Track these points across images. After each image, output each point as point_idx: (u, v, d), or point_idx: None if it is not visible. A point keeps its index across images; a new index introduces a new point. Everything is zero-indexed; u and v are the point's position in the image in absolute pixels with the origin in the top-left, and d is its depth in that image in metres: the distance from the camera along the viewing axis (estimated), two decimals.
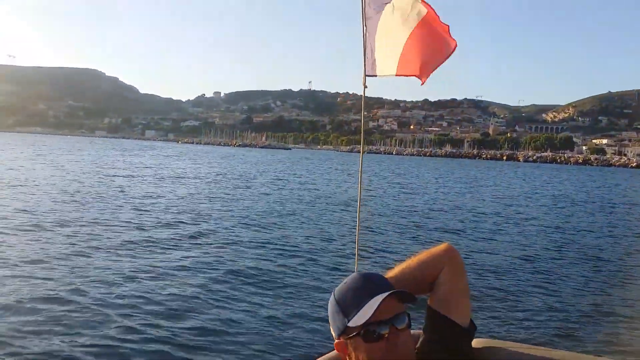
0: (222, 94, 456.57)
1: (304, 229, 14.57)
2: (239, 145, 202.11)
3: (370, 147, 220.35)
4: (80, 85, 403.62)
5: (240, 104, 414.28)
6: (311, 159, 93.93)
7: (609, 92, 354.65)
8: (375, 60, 3.39)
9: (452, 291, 1.56)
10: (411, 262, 1.59)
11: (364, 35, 3.29)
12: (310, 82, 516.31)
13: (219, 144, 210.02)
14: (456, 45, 3.13)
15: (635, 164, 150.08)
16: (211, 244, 11.76)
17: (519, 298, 8.59)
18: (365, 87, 3.40)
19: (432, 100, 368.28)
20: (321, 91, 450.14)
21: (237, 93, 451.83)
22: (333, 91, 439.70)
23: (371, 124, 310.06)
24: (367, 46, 3.36)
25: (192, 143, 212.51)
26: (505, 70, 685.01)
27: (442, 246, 1.60)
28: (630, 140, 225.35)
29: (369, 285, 1.40)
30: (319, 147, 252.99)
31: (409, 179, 44.52)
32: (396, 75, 3.34)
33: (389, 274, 1.58)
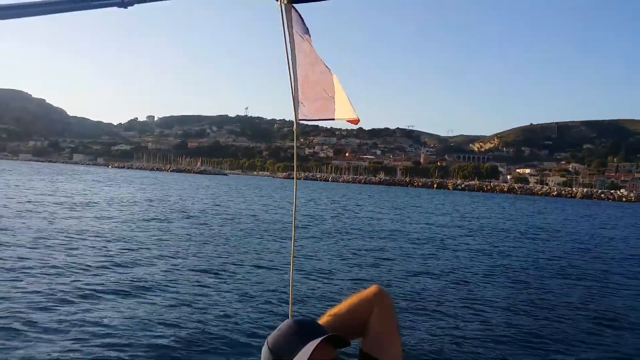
0: (155, 118, 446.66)
1: (237, 267, 13.74)
2: (173, 171, 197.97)
3: (307, 173, 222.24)
4: (4, 107, 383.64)
5: (175, 128, 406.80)
6: (248, 185, 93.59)
7: (531, 124, 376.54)
8: (320, 102, 3.15)
9: (382, 333, 1.55)
10: (342, 306, 1.59)
11: (291, 70, 3.04)
12: (247, 108, 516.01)
13: (152, 169, 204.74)
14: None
15: (555, 192, 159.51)
16: (136, 284, 10.91)
17: (451, 323, 9.17)
18: (298, 124, 3.05)
19: (367, 129, 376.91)
20: (258, 117, 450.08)
21: (172, 117, 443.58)
22: (270, 117, 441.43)
23: (307, 151, 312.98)
24: (308, 84, 3.12)
25: (124, 167, 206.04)
26: (436, 101, 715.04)
27: (371, 289, 1.60)
28: (551, 170, 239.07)
29: (302, 331, 1.40)
30: (255, 173, 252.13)
31: (344, 206, 45.29)
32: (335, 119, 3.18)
33: (322, 319, 1.58)
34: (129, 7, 1.40)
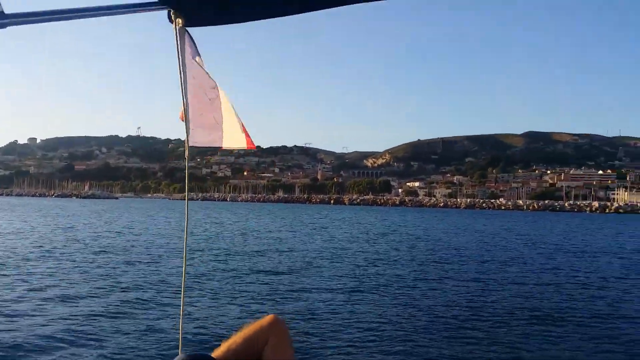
0: (38, 140, 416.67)
1: (120, 299, 12.77)
2: (58, 196, 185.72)
3: (204, 194, 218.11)
4: None
5: (60, 150, 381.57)
6: (140, 208, 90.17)
7: (419, 139, 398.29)
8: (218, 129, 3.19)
9: None
10: (237, 337, 1.56)
11: (184, 94, 3.01)
12: (139, 128, 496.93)
13: (34, 195, 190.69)
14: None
15: (442, 204, 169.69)
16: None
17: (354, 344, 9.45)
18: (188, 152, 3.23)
19: (265, 147, 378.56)
20: (151, 137, 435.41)
21: (56, 139, 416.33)
22: (164, 137, 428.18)
23: (205, 170, 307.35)
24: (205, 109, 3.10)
25: (2, 195, 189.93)
26: (330, 119, 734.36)
27: (267, 318, 1.57)
28: (437, 183, 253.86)
29: None
30: (149, 195, 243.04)
31: (243, 226, 45.26)
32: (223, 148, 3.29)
33: (216, 352, 1.53)
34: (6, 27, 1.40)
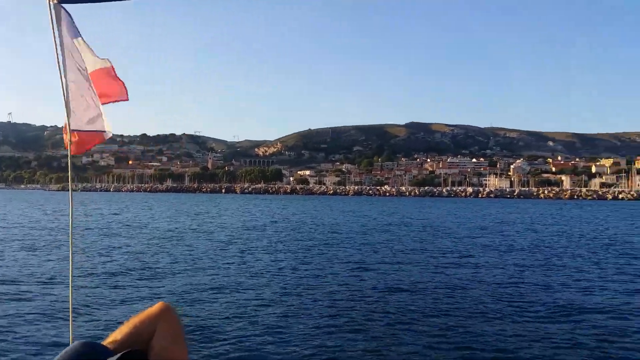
0: None
1: (7, 293, 12.36)
2: None
3: (85, 184, 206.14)
4: None
5: None
6: (15, 200, 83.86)
7: (309, 129, 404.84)
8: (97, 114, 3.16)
9: (166, 352, 1.48)
10: (127, 326, 1.52)
11: (62, 75, 2.91)
12: (10, 114, 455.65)
13: None
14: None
15: (332, 191, 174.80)
16: None
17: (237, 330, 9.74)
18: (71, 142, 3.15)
19: (151, 135, 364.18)
20: (24, 124, 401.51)
21: None
22: (39, 124, 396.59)
23: (85, 159, 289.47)
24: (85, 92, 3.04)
25: None
26: (221, 107, 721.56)
27: (156, 306, 1.54)
28: (327, 171, 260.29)
29: (90, 353, 1.33)
30: (23, 186, 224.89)
31: (129, 216, 44.24)
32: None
33: (107, 341, 1.51)
34: None
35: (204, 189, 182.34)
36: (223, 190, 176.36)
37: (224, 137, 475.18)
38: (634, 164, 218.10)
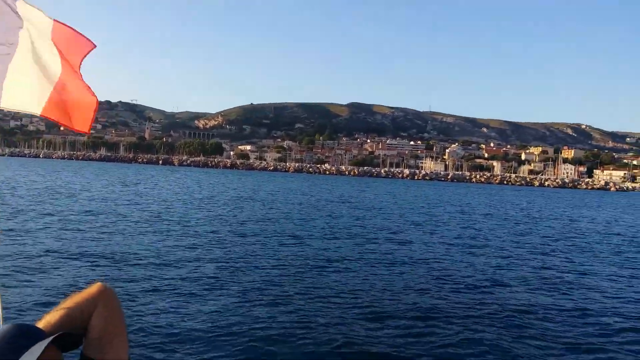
0: None
1: None
2: None
3: (13, 149, 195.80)
4: None
5: None
6: None
7: (252, 104, 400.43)
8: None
9: (106, 333, 1.43)
10: (62, 307, 1.47)
11: None
12: None
13: None
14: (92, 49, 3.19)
15: (272, 167, 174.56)
16: None
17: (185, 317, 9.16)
18: None
19: None
20: None
21: None
22: None
23: (13, 123, 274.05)
24: None
25: None
26: (160, 76, 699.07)
27: (94, 287, 1.49)
28: (269, 147, 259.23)
29: (24, 335, 1.30)
30: None
31: (58, 186, 42.71)
32: (41, 115, 3.16)
33: (40, 323, 1.45)
34: None
35: (140, 160, 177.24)
36: (160, 162, 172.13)
37: (162, 107, 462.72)
38: (561, 153, 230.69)
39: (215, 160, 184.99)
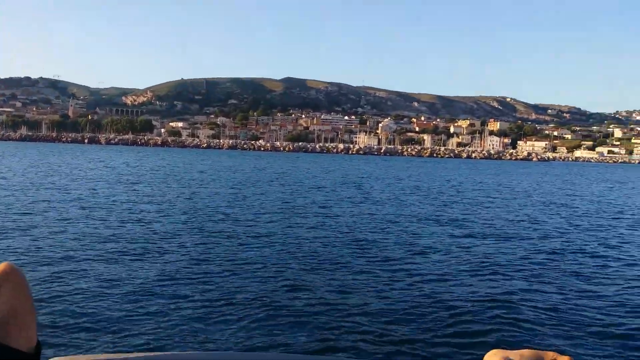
0: None
1: None
2: None
3: None
4: None
5: None
6: None
7: (182, 79, 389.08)
8: None
9: (11, 315, 1.37)
10: None
11: None
12: None
13: None
14: None
15: (205, 144, 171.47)
16: None
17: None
18: None
19: (3, 78, 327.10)
20: None
21: None
22: None
23: None
24: None
25: None
26: (84, 50, 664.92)
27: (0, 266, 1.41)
28: (201, 124, 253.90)
29: None
30: None
31: None
32: None
33: None
34: None
35: (64, 139, 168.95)
36: (86, 141, 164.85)
37: (87, 83, 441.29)
38: (487, 125, 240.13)
39: (145, 138, 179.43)
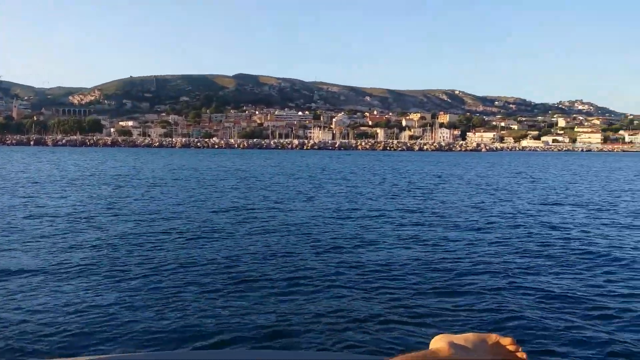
0: None
1: None
2: None
3: None
4: None
5: None
6: None
7: (131, 77, 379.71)
8: None
9: None
10: None
11: None
12: None
13: None
14: None
15: (157, 143, 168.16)
16: None
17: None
18: None
19: None
20: None
21: None
22: None
23: None
24: None
25: None
26: (27, 48, 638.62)
27: None
28: (153, 123, 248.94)
29: None
30: None
31: None
32: None
33: None
34: None
35: (9, 141, 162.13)
36: (32, 142, 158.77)
37: (31, 83, 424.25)
38: (437, 118, 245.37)
39: (95, 138, 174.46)
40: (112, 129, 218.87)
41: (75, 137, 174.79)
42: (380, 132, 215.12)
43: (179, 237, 13.91)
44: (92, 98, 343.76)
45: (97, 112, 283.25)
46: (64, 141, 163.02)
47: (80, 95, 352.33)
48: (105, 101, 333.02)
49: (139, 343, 6.53)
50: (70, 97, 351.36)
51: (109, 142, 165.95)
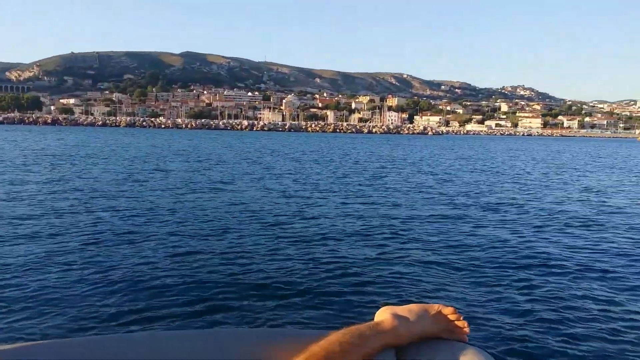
0: None
1: None
2: None
3: None
4: None
5: None
6: None
7: (72, 52, 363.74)
8: None
9: None
10: None
11: None
12: None
13: None
14: None
15: (101, 122, 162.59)
16: None
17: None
18: None
19: None
20: None
21: None
22: None
23: None
24: None
25: None
26: None
27: None
28: (96, 101, 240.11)
29: None
30: None
31: None
32: None
33: None
34: None
35: None
36: None
37: None
38: (386, 101, 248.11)
39: (34, 116, 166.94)
40: (52, 107, 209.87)
41: (13, 114, 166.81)
42: (330, 114, 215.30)
43: (117, 214, 13.55)
44: (31, 74, 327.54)
45: (36, 89, 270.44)
46: (0, 118, 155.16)
47: (18, 71, 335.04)
48: (45, 77, 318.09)
49: (62, 324, 6.33)
50: (7, 73, 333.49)
51: (49, 120, 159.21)
